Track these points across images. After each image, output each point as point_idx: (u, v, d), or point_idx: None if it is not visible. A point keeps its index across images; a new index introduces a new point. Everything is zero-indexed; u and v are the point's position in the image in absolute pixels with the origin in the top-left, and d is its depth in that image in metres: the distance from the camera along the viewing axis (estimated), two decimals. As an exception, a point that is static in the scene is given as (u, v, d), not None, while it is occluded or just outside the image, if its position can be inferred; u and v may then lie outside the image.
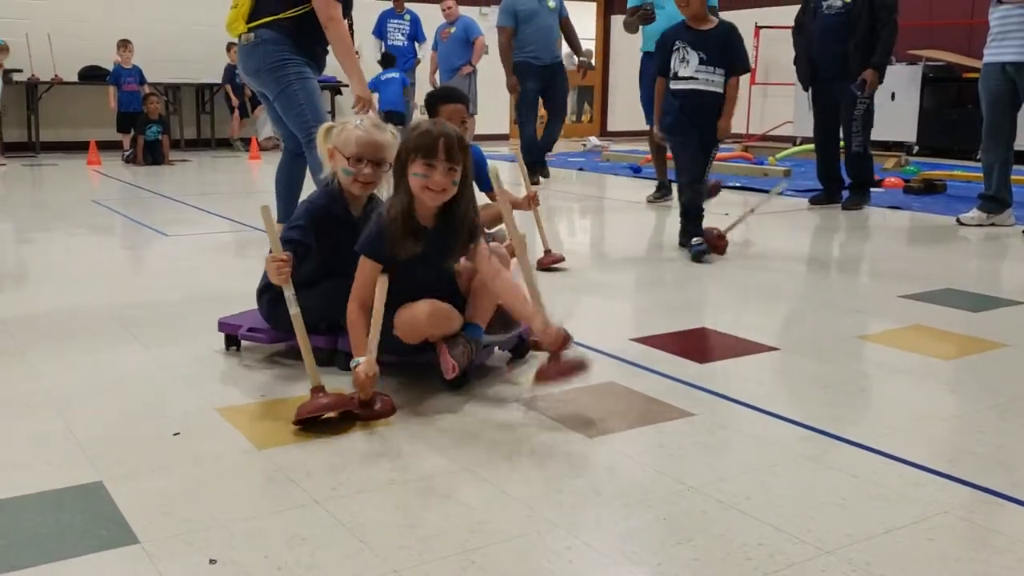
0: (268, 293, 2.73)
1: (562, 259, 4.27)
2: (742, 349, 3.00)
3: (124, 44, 9.82)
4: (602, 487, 1.95)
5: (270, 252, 2.44)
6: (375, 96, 10.01)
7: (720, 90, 4.53)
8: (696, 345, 3.08)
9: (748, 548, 1.68)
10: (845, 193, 6.50)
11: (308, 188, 4.34)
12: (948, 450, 2.17)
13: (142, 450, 2.12)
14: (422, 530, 1.75)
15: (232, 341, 2.89)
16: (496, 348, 2.74)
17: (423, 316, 2.44)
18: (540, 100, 7.95)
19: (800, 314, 3.55)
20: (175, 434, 2.21)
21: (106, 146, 9.81)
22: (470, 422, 2.29)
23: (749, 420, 2.36)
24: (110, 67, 9.98)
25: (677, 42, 4.59)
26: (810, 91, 6.36)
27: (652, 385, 2.61)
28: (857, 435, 2.24)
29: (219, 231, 5.34)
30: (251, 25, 4.16)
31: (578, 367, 2.42)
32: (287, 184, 4.49)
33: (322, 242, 2.66)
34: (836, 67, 6.05)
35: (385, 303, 2.43)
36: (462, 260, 2.59)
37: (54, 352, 2.88)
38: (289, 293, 2.35)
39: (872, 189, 7.29)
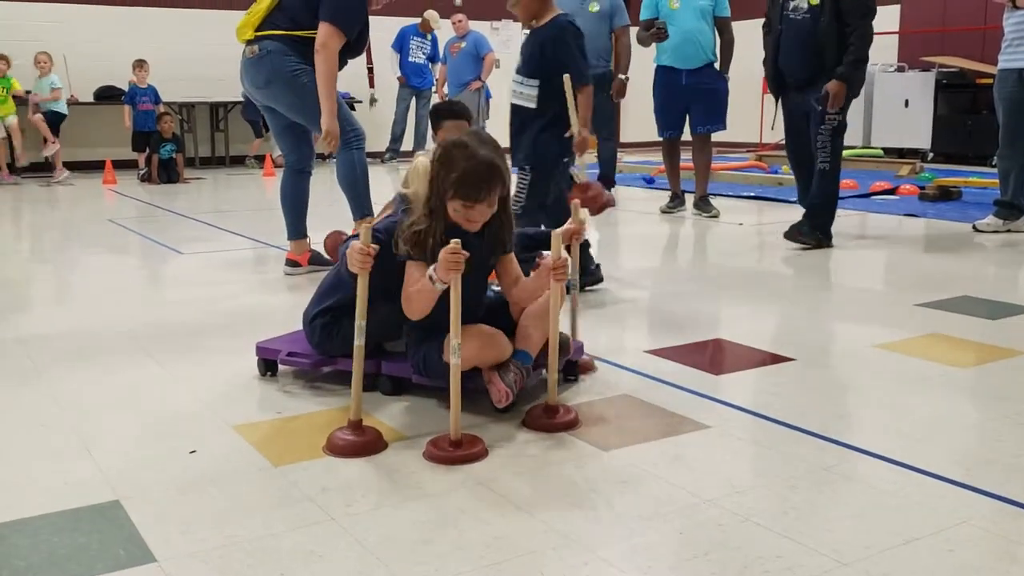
0: (321, 319, 2.69)
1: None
2: (757, 360, 2.99)
3: (140, 64, 9.90)
4: (617, 501, 1.94)
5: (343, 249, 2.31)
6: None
7: (531, 105, 3.70)
8: (711, 357, 3.07)
9: (765, 561, 1.67)
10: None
11: (315, 203, 4.37)
12: (966, 459, 2.16)
13: (159, 469, 2.13)
14: (438, 546, 1.75)
15: (269, 366, 2.82)
16: (543, 372, 2.60)
17: (474, 348, 2.36)
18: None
19: (815, 324, 3.53)
20: (191, 452, 2.22)
21: (122, 165, 9.88)
22: (485, 438, 2.28)
23: (765, 432, 2.35)
24: (126, 87, 10.07)
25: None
26: (779, 100, 5.43)
27: (667, 397, 2.60)
28: (874, 445, 2.23)
29: (234, 248, 5.37)
30: (258, 34, 4.15)
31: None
32: (293, 200, 4.46)
33: (387, 261, 2.50)
34: (805, 76, 5.09)
35: (430, 325, 2.42)
36: (521, 286, 2.54)
37: (71, 371, 2.90)
38: (361, 323, 2.26)
39: (885, 197, 7.29)
